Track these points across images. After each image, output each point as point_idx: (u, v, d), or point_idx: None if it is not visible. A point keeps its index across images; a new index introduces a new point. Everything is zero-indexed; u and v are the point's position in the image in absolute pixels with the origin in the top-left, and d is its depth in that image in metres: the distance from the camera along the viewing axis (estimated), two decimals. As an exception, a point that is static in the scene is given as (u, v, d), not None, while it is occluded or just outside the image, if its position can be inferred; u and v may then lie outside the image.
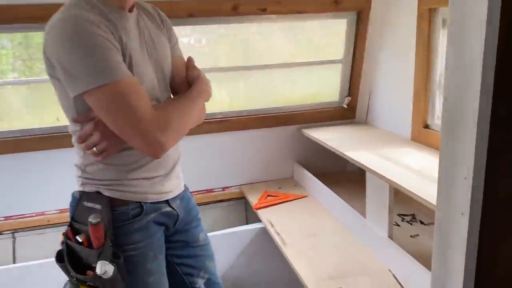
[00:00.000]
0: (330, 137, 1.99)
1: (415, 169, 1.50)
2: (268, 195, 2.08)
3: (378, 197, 1.53)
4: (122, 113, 0.99)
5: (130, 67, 1.03)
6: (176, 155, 1.23)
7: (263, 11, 1.87)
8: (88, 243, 1.05)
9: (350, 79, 2.17)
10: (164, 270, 1.21)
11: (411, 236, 1.67)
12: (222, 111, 2.10)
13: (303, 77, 2.19)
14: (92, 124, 1.05)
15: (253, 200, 2.04)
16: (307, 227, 1.76)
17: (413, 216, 1.82)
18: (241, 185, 2.22)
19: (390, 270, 1.40)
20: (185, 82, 1.20)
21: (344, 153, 1.72)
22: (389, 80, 2.04)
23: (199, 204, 2.17)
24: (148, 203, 1.14)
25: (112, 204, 1.09)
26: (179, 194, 1.24)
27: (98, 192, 1.10)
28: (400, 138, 1.91)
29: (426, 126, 1.79)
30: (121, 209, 1.10)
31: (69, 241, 1.08)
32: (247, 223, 2.20)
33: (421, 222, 1.77)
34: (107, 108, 0.99)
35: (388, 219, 1.48)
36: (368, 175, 1.58)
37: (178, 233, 1.26)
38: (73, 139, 1.12)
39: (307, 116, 2.18)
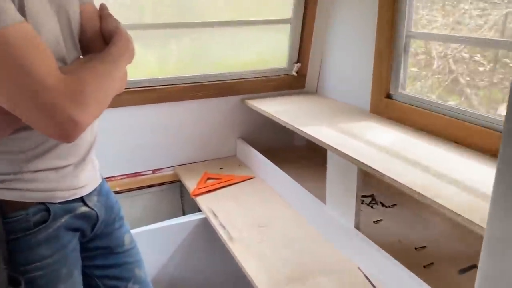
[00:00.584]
0: (278, 109, 1.72)
1: (382, 147, 1.27)
2: (209, 178, 1.78)
3: (342, 181, 1.30)
4: (13, 76, 0.66)
5: (23, 13, 0.69)
6: (92, 136, 0.90)
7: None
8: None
9: (300, 42, 1.89)
10: None
11: (374, 222, 1.47)
12: (149, 78, 1.73)
13: (247, 39, 1.88)
14: None
15: (191, 184, 1.73)
16: (257, 217, 1.49)
17: (373, 197, 1.62)
18: (175, 166, 1.89)
19: (359, 268, 1.18)
20: (99, 37, 0.86)
21: (300, 128, 1.45)
22: (345, 44, 1.79)
23: (124, 191, 1.84)
24: (57, 203, 0.83)
25: (4, 209, 0.78)
26: (96, 188, 0.92)
27: None
28: (358, 110, 1.69)
29: (388, 96, 1.58)
30: (17, 215, 0.79)
31: None
32: (183, 213, 1.90)
33: (382, 204, 1.58)
34: None
35: (355, 206, 1.25)
36: (330, 154, 1.34)
37: (98, 239, 0.95)
38: None
39: (251, 85, 1.88)
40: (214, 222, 1.47)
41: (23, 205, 0.80)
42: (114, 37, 0.84)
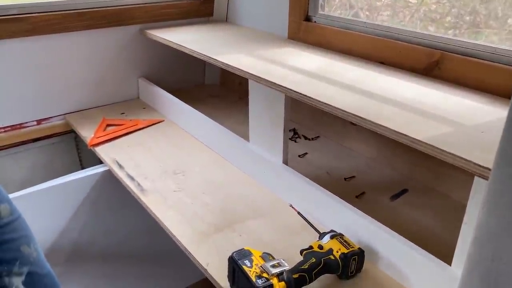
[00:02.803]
0: (185, 38, 1.48)
1: (308, 72, 1.14)
2: (108, 125, 1.52)
3: (267, 113, 1.15)
4: None
5: None
6: None
7: None
8: None
9: (204, -40, 1.63)
10: None
11: (299, 156, 1.37)
12: (18, 4, 1.37)
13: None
14: None
15: (87, 133, 1.46)
16: (171, 163, 1.30)
17: (295, 131, 1.51)
18: (65, 114, 1.58)
19: (292, 206, 1.07)
20: None
21: (215, 58, 1.25)
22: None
23: (2, 148, 1.51)
24: None
25: None
26: None
27: None
28: (274, 36, 1.52)
29: (307, 19, 1.43)
30: None
31: None
32: (82, 167, 1.62)
33: (305, 137, 1.48)
34: None
35: (283, 139, 1.12)
36: (252, 85, 1.17)
37: None
38: None
39: (150, 11, 1.60)
40: (120, 174, 1.25)
41: None
42: None
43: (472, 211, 0.74)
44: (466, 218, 0.75)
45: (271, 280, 0.78)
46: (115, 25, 1.54)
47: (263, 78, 1.07)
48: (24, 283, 0.78)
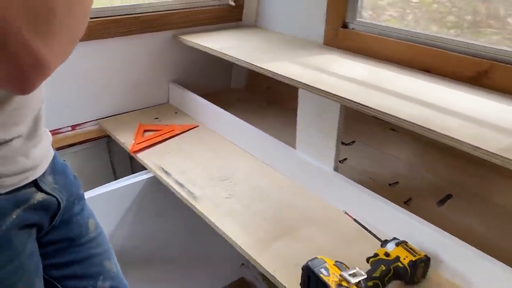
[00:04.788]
0: (222, 44, 1.49)
1: (358, 81, 1.16)
2: (145, 130, 1.52)
3: (317, 121, 1.17)
4: None
5: None
6: (42, 93, 0.63)
7: None
8: None
9: (237, -34, 1.64)
10: None
11: (340, 161, 1.39)
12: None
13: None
14: None
15: (124, 139, 1.46)
16: (215, 170, 1.31)
17: (329, 136, 1.53)
18: (98, 119, 1.58)
19: (346, 212, 1.09)
20: None
21: (261, 66, 1.26)
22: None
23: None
24: (2, 194, 0.58)
25: None
26: (49, 165, 0.66)
27: None
28: (309, 42, 1.54)
29: (345, 26, 1.45)
30: None
31: None
32: (114, 173, 1.62)
33: (342, 143, 1.50)
34: None
35: (336, 147, 1.14)
36: (302, 93, 1.18)
37: (54, 230, 0.71)
38: None
39: (183, 17, 1.60)
40: (168, 180, 1.25)
41: None
42: None
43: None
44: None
45: (351, 289, 0.80)
46: (150, 31, 1.54)
47: (316, 88, 1.09)
48: None
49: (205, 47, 1.48)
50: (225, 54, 1.38)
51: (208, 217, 1.11)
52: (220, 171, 1.31)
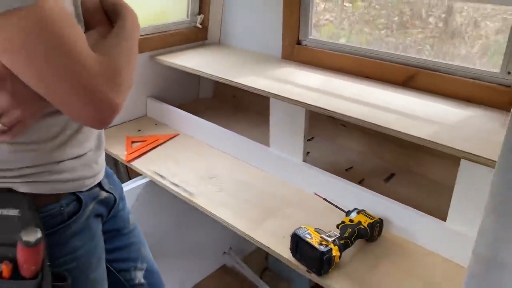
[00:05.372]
0: (194, 63, 1.73)
1: (315, 88, 1.45)
2: (133, 142, 1.72)
3: (287, 123, 1.44)
4: (51, 55, 0.58)
5: None
6: None
7: None
8: (12, 272, 0.63)
9: (201, -7, 1.88)
10: (106, 275, 0.88)
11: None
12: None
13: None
14: None
15: (115, 150, 1.65)
16: (202, 170, 1.55)
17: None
18: (86, 135, 1.75)
19: (316, 193, 1.38)
20: (99, 9, 0.77)
21: (233, 80, 1.52)
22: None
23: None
24: (85, 191, 0.80)
25: (37, 203, 0.72)
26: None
27: (9, 190, 0.71)
28: (269, 57, 1.82)
29: (299, 43, 1.74)
30: (51, 209, 0.74)
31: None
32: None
33: (303, 140, 1.79)
34: (28, 46, 0.57)
35: (303, 143, 1.42)
36: (273, 101, 1.45)
37: (108, 222, 0.93)
38: None
39: (157, 40, 1.82)
40: (164, 183, 1.47)
41: (55, 198, 0.74)
42: (122, 10, 0.77)
43: (459, 183, 1.10)
44: (456, 187, 1.11)
45: (329, 246, 1.08)
46: (130, 53, 1.74)
47: (286, 97, 1.37)
48: (144, 276, 1.03)
49: (180, 65, 1.71)
50: (200, 71, 1.62)
51: (206, 208, 1.34)
52: (207, 170, 1.54)
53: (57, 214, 0.74)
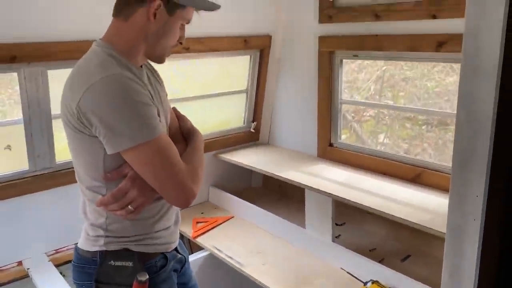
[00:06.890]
0: (249, 160, 2.20)
1: (341, 182, 1.85)
2: (197, 222, 2.16)
3: (318, 209, 1.83)
4: (163, 166, 1.02)
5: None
6: None
7: (187, 49, 1.95)
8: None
9: (255, 106, 2.42)
10: None
11: (336, 237, 2.03)
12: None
13: (213, 106, 2.35)
14: (128, 180, 1.04)
15: (184, 229, 2.09)
16: (251, 246, 1.94)
17: (327, 219, 2.18)
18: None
19: (342, 268, 1.71)
20: (179, 133, 1.23)
21: (278, 174, 1.96)
22: (291, 105, 2.38)
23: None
24: (169, 252, 1.18)
25: (141, 259, 1.10)
26: None
27: (126, 249, 1.10)
28: (307, 155, 2.26)
29: (331, 145, 2.18)
30: (149, 263, 1.13)
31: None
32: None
33: (336, 224, 2.15)
34: (150, 162, 1.01)
35: (332, 226, 1.79)
36: (308, 192, 1.86)
37: (179, 276, 1.30)
38: (91, 196, 1.07)
39: (220, 142, 2.34)
40: (221, 255, 1.87)
41: (153, 255, 1.14)
42: (194, 133, 1.23)
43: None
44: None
45: (346, 306, 1.40)
46: (199, 152, 2.26)
47: (315, 188, 1.78)
48: None
49: (236, 161, 2.20)
50: (253, 167, 2.09)
51: (254, 276, 1.71)
52: (255, 247, 1.93)
53: (153, 266, 1.14)
